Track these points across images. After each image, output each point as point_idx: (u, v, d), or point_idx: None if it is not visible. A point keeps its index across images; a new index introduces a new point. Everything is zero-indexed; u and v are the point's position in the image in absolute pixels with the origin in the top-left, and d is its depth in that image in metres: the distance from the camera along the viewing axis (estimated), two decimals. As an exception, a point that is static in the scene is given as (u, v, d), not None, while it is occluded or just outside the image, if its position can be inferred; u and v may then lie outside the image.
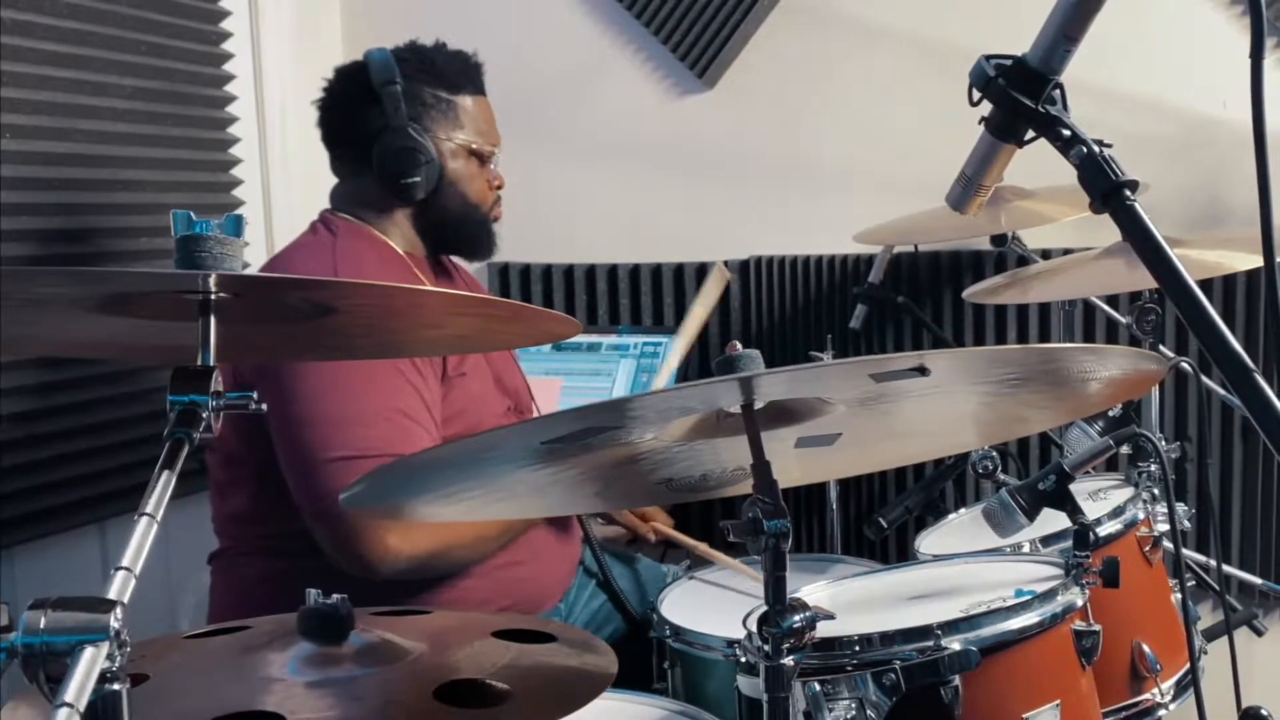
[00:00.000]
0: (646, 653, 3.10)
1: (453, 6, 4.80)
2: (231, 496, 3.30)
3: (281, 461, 3.08)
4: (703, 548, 3.61)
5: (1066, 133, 1.74)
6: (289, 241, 3.43)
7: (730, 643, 2.78)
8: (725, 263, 4.39)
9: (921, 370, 1.80)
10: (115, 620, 1.44)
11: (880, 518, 3.55)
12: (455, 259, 3.61)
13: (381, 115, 3.31)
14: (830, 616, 2.17)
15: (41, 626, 1.42)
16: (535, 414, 3.60)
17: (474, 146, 3.39)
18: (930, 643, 2.28)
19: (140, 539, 1.56)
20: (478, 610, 3.19)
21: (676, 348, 4.18)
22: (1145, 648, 2.80)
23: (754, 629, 2.03)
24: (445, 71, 3.38)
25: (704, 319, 4.25)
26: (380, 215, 3.38)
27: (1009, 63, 1.79)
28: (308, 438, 3.01)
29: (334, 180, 3.46)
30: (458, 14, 4.78)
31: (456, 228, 3.44)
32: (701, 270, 4.60)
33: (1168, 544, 2.97)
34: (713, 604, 3.16)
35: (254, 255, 4.15)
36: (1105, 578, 2.51)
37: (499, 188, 3.49)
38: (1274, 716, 2.41)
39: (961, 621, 2.32)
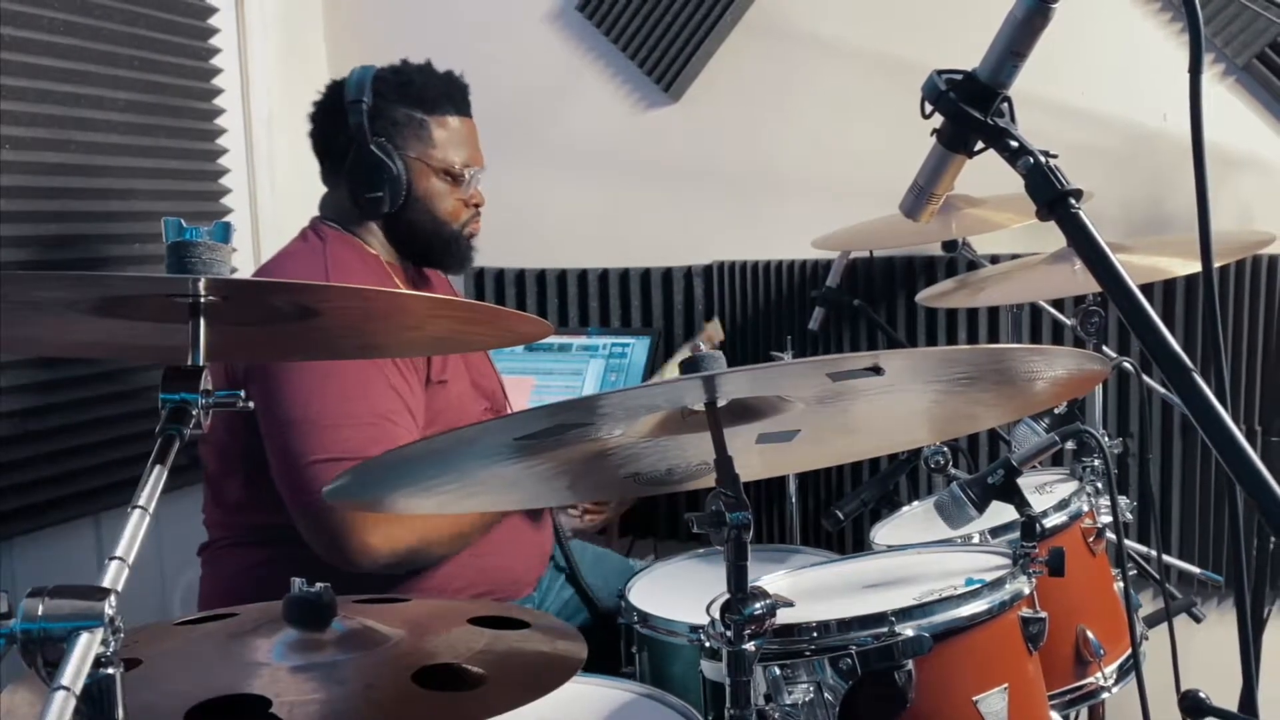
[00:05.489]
0: (615, 638, 3.11)
1: (431, 24, 4.80)
2: (223, 489, 3.30)
3: (270, 460, 3.09)
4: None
5: (1014, 144, 1.74)
6: (277, 247, 3.43)
7: (695, 629, 2.78)
8: (689, 278, 4.42)
9: (876, 370, 1.80)
10: (109, 607, 1.44)
11: (837, 510, 3.56)
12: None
13: (349, 131, 3.32)
14: (789, 604, 2.17)
15: (39, 613, 1.41)
16: (510, 412, 3.60)
17: (445, 166, 3.37)
18: (885, 629, 2.28)
19: (133, 531, 1.56)
20: (455, 597, 3.19)
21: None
22: (1089, 633, 2.81)
23: (717, 616, 2.03)
24: (423, 92, 3.36)
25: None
26: (359, 225, 3.38)
27: (959, 77, 1.79)
28: (295, 439, 3.02)
29: (318, 190, 3.46)
30: (436, 31, 4.79)
31: (425, 242, 3.42)
32: (668, 275, 4.61)
33: (1110, 535, 2.98)
34: (678, 592, 3.16)
35: (241, 261, 4.15)
36: (1051, 567, 2.52)
37: (477, 205, 3.46)
38: (1211, 699, 2.41)
39: (915, 609, 2.32)
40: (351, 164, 3.32)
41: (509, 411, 3.64)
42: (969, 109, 1.78)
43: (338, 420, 3.02)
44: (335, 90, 3.40)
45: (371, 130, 3.30)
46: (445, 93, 3.41)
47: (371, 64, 3.38)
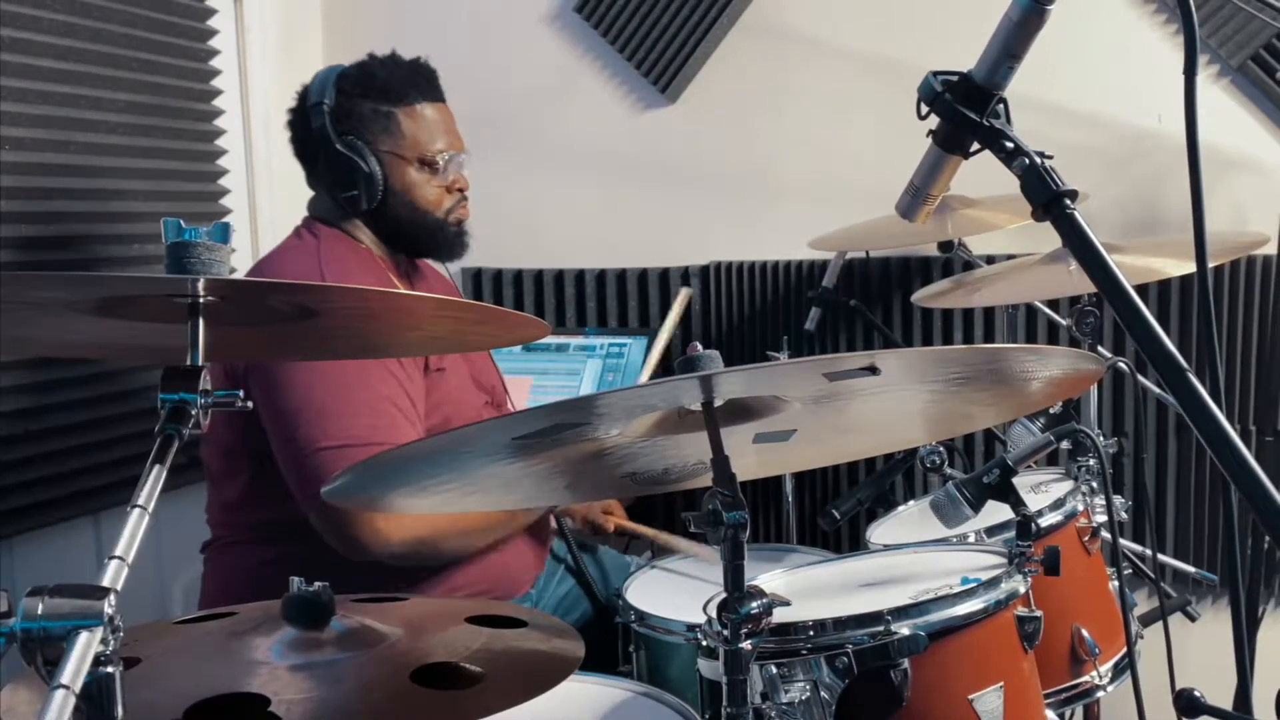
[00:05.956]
0: (612, 637, 3.11)
1: (429, 25, 4.80)
2: (226, 487, 3.30)
3: (276, 453, 3.08)
4: (663, 536, 3.62)
5: (1009, 145, 1.74)
6: (274, 247, 3.42)
7: (691, 628, 2.78)
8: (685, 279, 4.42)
9: (872, 370, 1.80)
10: (109, 606, 1.44)
11: (833, 509, 3.56)
12: (429, 260, 3.59)
13: (316, 134, 3.32)
14: (786, 603, 2.17)
15: (39, 612, 1.41)
16: (510, 409, 3.60)
17: (419, 155, 3.36)
18: (881, 628, 2.28)
19: (133, 530, 1.56)
20: (453, 595, 3.19)
21: (650, 361, 4.22)
22: (1084, 632, 2.81)
23: (714, 615, 2.03)
24: (388, 84, 3.35)
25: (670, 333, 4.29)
26: (347, 223, 3.38)
27: (955, 79, 1.79)
28: (300, 429, 3.01)
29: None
30: (434, 32, 4.79)
31: (412, 234, 3.41)
32: (665, 276, 4.61)
33: (1105, 534, 2.98)
34: (675, 591, 3.16)
35: (240, 261, 4.14)
36: (1046, 566, 2.52)
37: (461, 190, 3.44)
38: (1206, 698, 2.41)
39: (910, 607, 2.32)
40: (324, 166, 3.33)
41: (509, 406, 3.65)
42: (964, 110, 1.78)
43: (341, 408, 3.02)
44: (301, 96, 3.41)
45: (338, 130, 3.30)
46: (410, 81, 3.39)
47: (336, 65, 3.39)
